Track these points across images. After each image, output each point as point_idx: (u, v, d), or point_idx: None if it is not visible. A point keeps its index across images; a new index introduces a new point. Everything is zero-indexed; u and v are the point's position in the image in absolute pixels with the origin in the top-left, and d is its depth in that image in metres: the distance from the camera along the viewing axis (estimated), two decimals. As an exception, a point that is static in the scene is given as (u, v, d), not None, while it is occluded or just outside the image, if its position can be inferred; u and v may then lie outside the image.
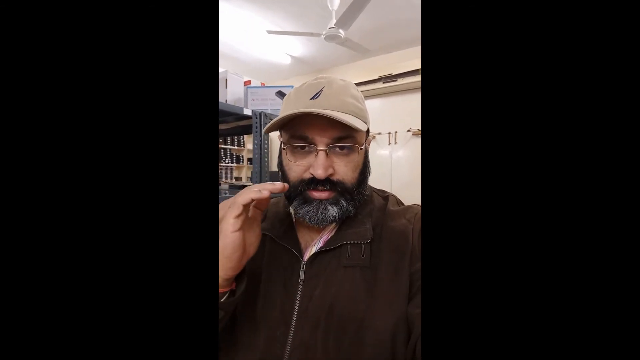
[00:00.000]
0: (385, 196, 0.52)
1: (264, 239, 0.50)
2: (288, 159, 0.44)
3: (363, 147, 0.44)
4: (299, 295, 0.43)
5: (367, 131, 0.46)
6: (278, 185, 0.39)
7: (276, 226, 0.49)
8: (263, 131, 0.45)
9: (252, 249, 0.39)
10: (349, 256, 0.43)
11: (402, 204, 0.51)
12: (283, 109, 0.47)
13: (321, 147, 0.41)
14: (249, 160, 4.82)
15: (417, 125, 3.26)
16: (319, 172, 0.40)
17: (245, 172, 4.71)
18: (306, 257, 0.45)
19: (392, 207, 0.48)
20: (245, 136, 4.55)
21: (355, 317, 0.39)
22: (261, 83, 1.21)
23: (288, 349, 0.40)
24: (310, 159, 0.42)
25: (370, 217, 0.46)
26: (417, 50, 3.22)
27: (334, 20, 2.24)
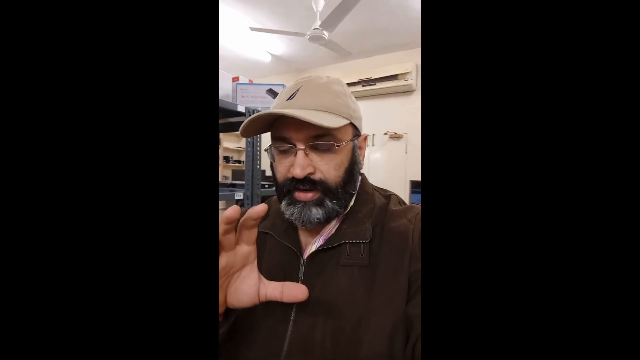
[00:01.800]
0: (387, 195, 0.52)
1: (265, 237, 0.50)
2: (274, 160, 0.45)
3: (350, 143, 0.44)
4: None
5: (355, 127, 0.46)
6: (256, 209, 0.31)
7: (277, 224, 0.49)
8: (239, 132, 0.44)
9: (236, 300, 0.35)
10: (347, 255, 0.43)
11: (404, 203, 0.51)
12: None
13: (300, 146, 0.41)
14: (225, 158, 4.69)
15: (394, 128, 3.34)
16: (297, 171, 0.40)
17: (221, 171, 4.57)
18: (306, 255, 0.45)
19: (393, 206, 0.48)
20: (221, 134, 4.43)
21: (353, 315, 0.40)
22: (249, 80, 1.20)
23: (286, 345, 0.40)
24: (292, 158, 0.42)
25: (370, 216, 0.47)
26: (397, 56, 3.30)
27: (318, 22, 2.24)
